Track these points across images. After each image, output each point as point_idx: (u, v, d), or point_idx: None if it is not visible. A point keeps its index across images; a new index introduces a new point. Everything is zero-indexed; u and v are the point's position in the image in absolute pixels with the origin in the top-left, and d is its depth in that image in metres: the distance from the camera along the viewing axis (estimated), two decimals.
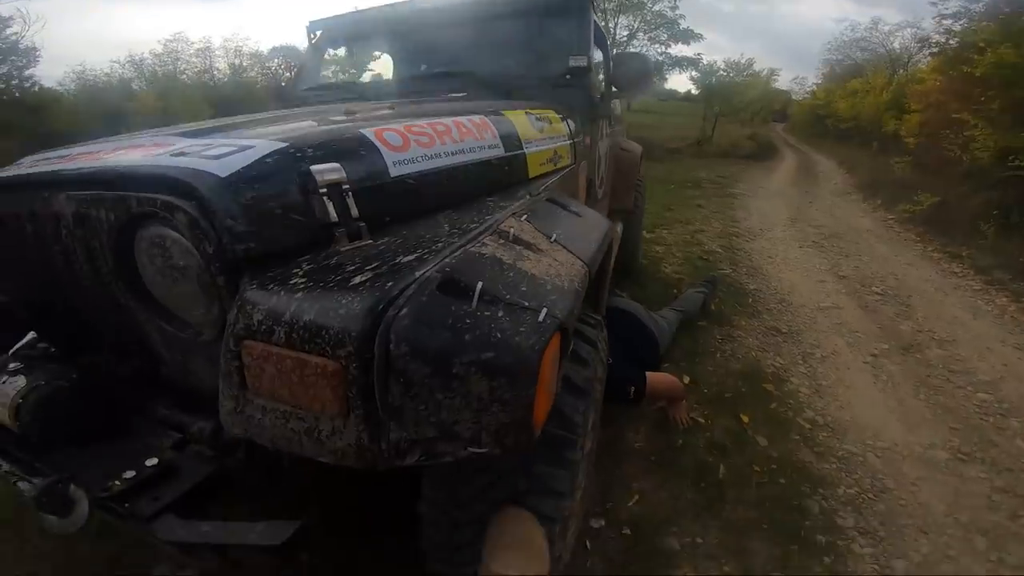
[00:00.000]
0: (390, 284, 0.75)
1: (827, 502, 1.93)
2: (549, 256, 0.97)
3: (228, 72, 18.52)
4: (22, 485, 0.94)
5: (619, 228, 3.37)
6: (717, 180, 9.95)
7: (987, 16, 6.92)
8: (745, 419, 2.37)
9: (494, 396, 0.71)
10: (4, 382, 1.08)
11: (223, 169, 0.87)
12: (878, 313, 3.67)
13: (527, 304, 0.78)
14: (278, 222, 0.87)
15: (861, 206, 7.94)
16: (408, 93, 2.26)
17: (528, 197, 1.30)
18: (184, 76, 17.72)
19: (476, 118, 1.39)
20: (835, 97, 19.35)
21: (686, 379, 2.65)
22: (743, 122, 18.20)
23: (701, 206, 7.30)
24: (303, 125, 1.21)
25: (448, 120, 1.29)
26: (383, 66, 3.59)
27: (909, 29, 20.15)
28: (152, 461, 1.00)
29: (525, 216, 1.11)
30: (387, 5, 2.61)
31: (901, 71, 18.76)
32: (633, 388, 2.07)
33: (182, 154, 0.97)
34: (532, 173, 1.53)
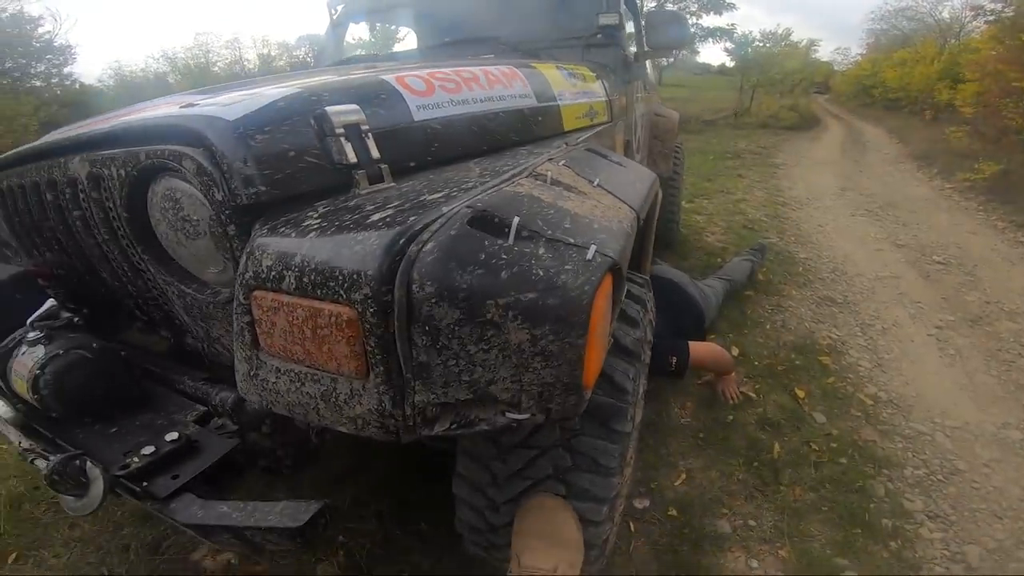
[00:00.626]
0: (413, 218, 0.65)
1: (893, 484, 1.79)
2: (593, 199, 0.86)
3: (257, 62, 18.85)
4: (39, 463, 0.90)
5: (658, 196, 3.23)
6: (758, 150, 9.55)
7: None
8: (800, 394, 2.22)
9: (537, 348, 0.60)
10: (24, 353, 1.05)
11: (231, 114, 0.81)
12: (941, 283, 3.42)
13: (573, 241, 0.67)
14: (292, 165, 0.80)
15: (916, 175, 7.48)
16: (436, 60, 2.19)
17: (565, 146, 1.20)
18: (215, 68, 18.11)
19: (505, 67, 1.30)
20: (882, 67, 18.43)
21: (734, 351, 2.51)
22: (782, 93, 17.42)
23: (742, 176, 7.01)
24: (322, 77, 1.14)
25: (476, 68, 1.20)
26: (410, 45, 3.53)
27: None
28: (172, 436, 0.95)
29: (564, 161, 1.01)
30: None
31: (952, 40, 17.69)
32: (675, 359, 1.96)
33: (192, 106, 0.92)
34: (568, 126, 1.43)
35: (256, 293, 0.69)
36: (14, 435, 1.01)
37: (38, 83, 11.96)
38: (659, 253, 3.60)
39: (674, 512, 1.66)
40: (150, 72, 17.37)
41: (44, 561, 1.60)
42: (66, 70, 12.95)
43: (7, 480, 1.89)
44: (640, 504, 1.69)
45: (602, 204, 0.85)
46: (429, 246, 0.61)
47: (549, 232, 0.67)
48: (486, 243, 0.63)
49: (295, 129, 0.82)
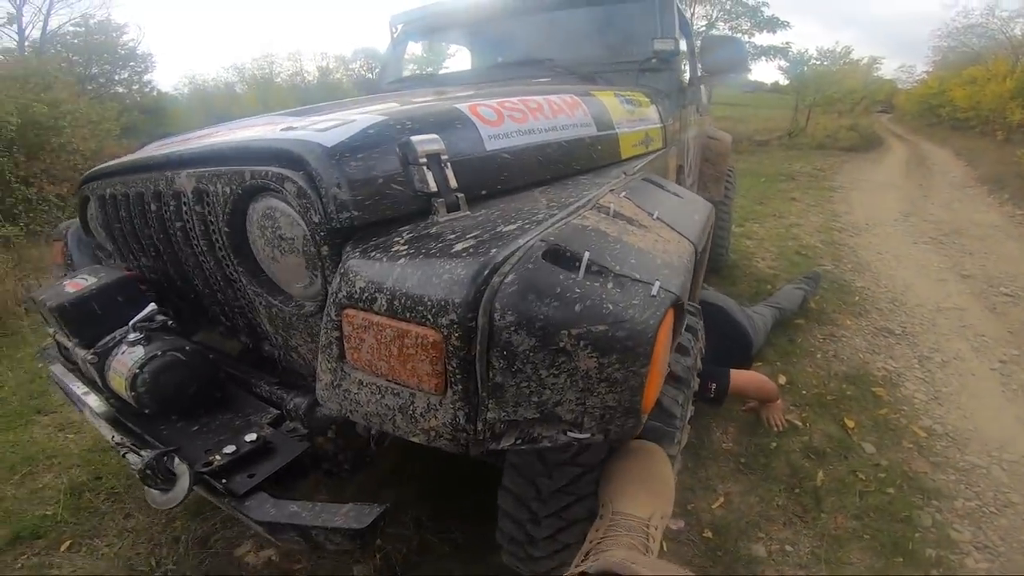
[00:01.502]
0: (494, 251, 0.71)
1: (941, 514, 1.74)
2: (653, 232, 0.91)
3: (316, 74, 19.64)
4: (130, 458, 0.95)
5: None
6: (813, 173, 9.30)
7: None
8: (850, 424, 2.17)
9: (603, 375, 0.65)
10: (123, 353, 1.13)
11: (329, 140, 0.88)
12: (1008, 316, 3.26)
13: (638, 277, 0.72)
14: (380, 191, 0.86)
15: (985, 200, 7.11)
16: (492, 81, 2.25)
17: (623, 176, 1.24)
18: (279, 79, 18.98)
19: (567, 96, 1.36)
20: (950, 85, 17.62)
21: (781, 379, 2.48)
22: (841, 113, 16.88)
23: (795, 199, 6.84)
24: (401, 103, 1.22)
25: (539, 98, 1.26)
26: (460, 63, 3.64)
27: None
28: (251, 437, 1.01)
29: (624, 193, 1.06)
30: None
31: None
32: (715, 386, 1.96)
33: (291, 129, 1.00)
34: (625, 154, 1.48)
35: (347, 311, 0.76)
36: (105, 429, 1.07)
37: (121, 89, 12.70)
38: (707, 278, 3.57)
39: (709, 534, 1.66)
40: (220, 82, 18.34)
41: (97, 550, 1.68)
42: (146, 77, 13.72)
43: (70, 469, 2.03)
44: (675, 525, 1.70)
45: (662, 238, 0.90)
46: (510, 278, 0.67)
47: (617, 267, 0.73)
48: (560, 277, 0.69)
49: (384, 156, 0.88)
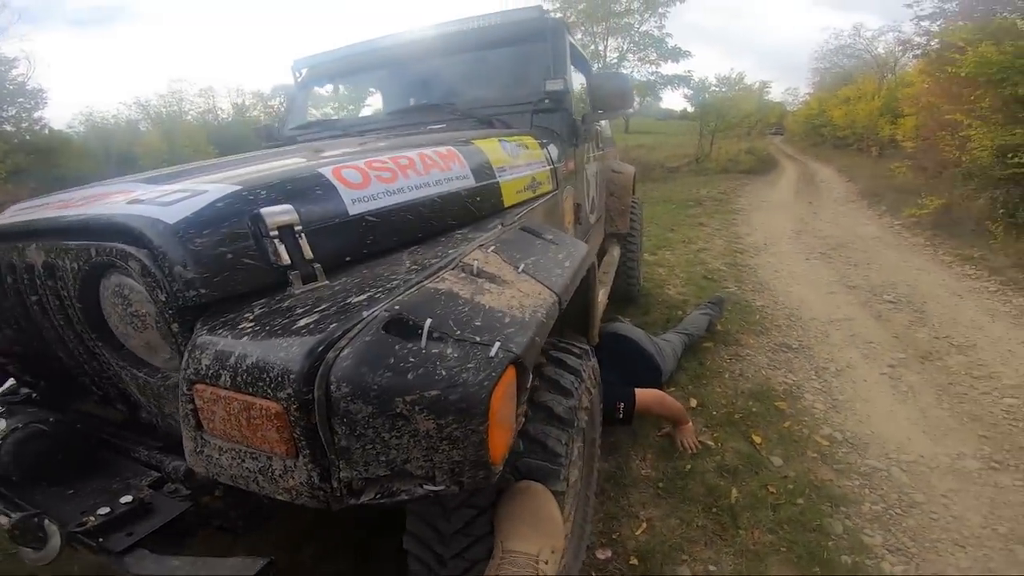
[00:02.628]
0: (334, 325, 0.74)
1: (851, 520, 1.82)
2: (513, 287, 0.93)
3: (231, 111, 19.03)
4: (0, 519, 0.96)
5: (616, 252, 3.32)
6: (718, 197, 9.92)
7: (962, 15, 6.91)
8: (757, 439, 2.27)
9: (443, 434, 0.70)
10: None
11: (172, 216, 0.87)
12: (892, 322, 3.56)
13: (479, 339, 0.77)
14: (230, 266, 0.86)
15: (866, 213, 7.85)
16: (392, 127, 2.27)
17: (500, 227, 1.26)
18: (188, 116, 18.20)
19: (443, 149, 1.36)
20: (828, 106, 19.48)
21: (693, 402, 2.56)
22: (740, 136, 18.24)
23: (703, 224, 7.24)
24: (264, 167, 1.19)
25: (412, 153, 1.26)
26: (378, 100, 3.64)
27: (891, 33, 20.39)
28: (127, 499, 1.02)
29: (493, 247, 1.08)
30: (368, 40, 2.62)
31: (889, 75, 18.85)
32: (622, 405, 2.02)
33: (138, 201, 0.97)
34: (508, 202, 1.49)
35: (197, 386, 0.77)
36: None
37: (8, 127, 11.76)
38: (621, 308, 3.68)
39: (635, 561, 1.68)
40: (122, 119, 17.35)
41: None
42: (36, 115, 12.80)
43: None
44: (602, 555, 1.71)
45: (521, 292, 0.92)
46: (345, 351, 0.70)
47: (458, 332, 0.77)
48: (396, 347, 0.72)
49: (233, 231, 0.88)
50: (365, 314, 0.77)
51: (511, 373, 0.76)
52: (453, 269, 0.93)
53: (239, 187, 0.95)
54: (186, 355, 0.79)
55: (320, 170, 1.06)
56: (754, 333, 3.45)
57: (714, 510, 1.87)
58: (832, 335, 3.41)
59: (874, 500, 1.92)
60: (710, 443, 2.24)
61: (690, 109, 20.77)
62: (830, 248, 5.70)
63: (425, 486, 0.73)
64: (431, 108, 2.26)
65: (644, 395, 2.11)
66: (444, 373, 0.71)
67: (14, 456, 1.10)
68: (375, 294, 0.83)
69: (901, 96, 11.29)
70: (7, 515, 0.97)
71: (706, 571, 1.64)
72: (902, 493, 1.94)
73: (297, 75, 2.82)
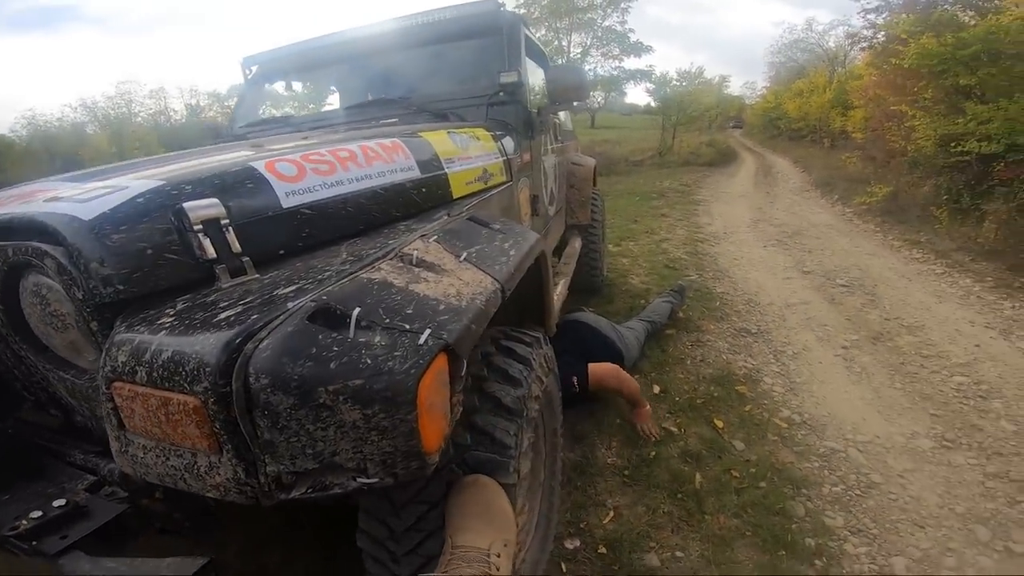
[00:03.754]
0: (255, 317, 0.73)
1: (812, 503, 1.86)
2: (453, 276, 0.92)
3: (184, 112, 18.45)
4: None
5: (577, 244, 3.33)
6: (680, 188, 10.09)
7: (905, 7, 7.18)
8: (719, 424, 2.30)
9: (371, 424, 0.68)
10: None
11: (89, 212, 0.85)
12: (845, 305, 3.68)
13: (408, 327, 0.75)
14: (150, 262, 0.84)
15: (819, 202, 8.11)
16: (345, 123, 2.22)
17: (446, 217, 1.24)
18: (139, 118, 17.56)
19: (387, 141, 1.34)
20: (783, 99, 20.02)
21: (656, 389, 2.59)
22: (701, 130, 18.63)
23: (665, 215, 7.35)
24: (193, 163, 1.15)
25: (353, 146, 1.23)
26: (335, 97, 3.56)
27: (841, 27, 21.05)
28: (60, 502, 1.01)
29: (435, 237, 1.05)
30: (320, 36, 2.57)
31: (840, 69, 19.50)
32: (576, 379, 2.05)
33: (56, 199, 0.95)
34: (457, 193, 1.47)
35: (115, 384, 0.76)
36: None
37: None
38: (584, 299, 3.70)
39: (603, 550, 1.68)
40: (67, 122, 16.62)
41: None
42: None
43: None
44: (571, 544, 1.71)
45: (461, 280, 0.90)
46: (265, 343, 0.69)
47: (387, 320, 0.75)
48: (320, 337, 0.71)
49: (153, 226, 0.86)
50: (290, 305, 0.75)
51: (442, 360, 0.75)
52: (391, 259, 0.91)
53: (162, 182, 0.93)
54: (104, 353, 0.77)
55: (251, 164, 1.03)
56: (715, 319, 3.51)
57: (679, 496, 1.89)
58: (789, 319, 3.50)
59: (833, 482, 1.96)
60: (673, 429, 2.27)
61: (653, 104, 21.12)
62: (786, 236, 5.86)
63: (358, 479, 0.71)
64: (385, 103, 2.24)
65: (597, 368, 2.15)
66: (369, 361, 0.69)
67: None
68: (304, 285, 0.81)
69: (850, 89, 11.69)
70: None
71: (673, 557, 1.66)
72: (860, 474, 1.99)
73: (247, 72, 2.75)
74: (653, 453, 2.11)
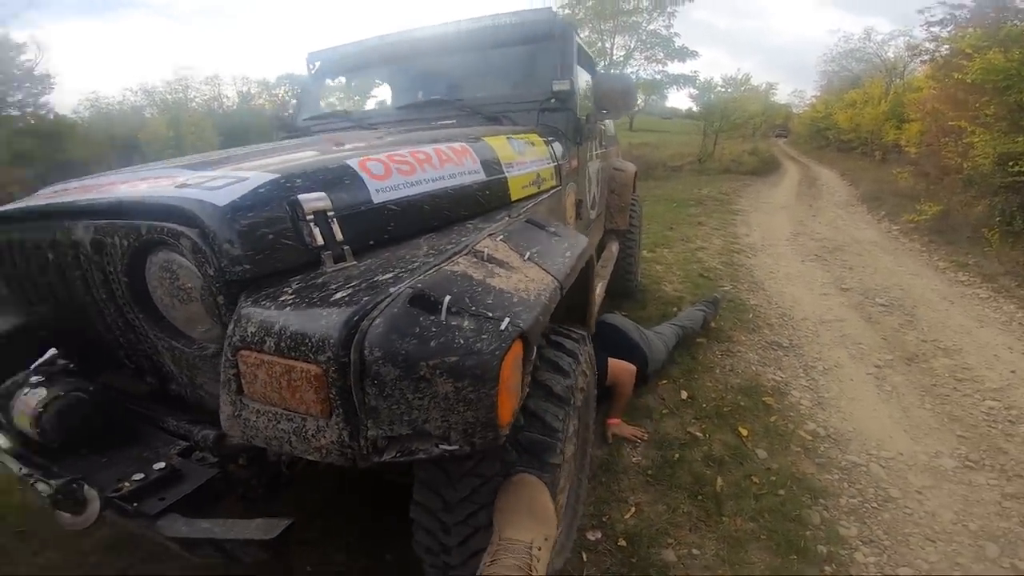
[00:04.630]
0: (366, 299, 0.83)
1: (828, 512, 1.92)
2: (520, 273, 1.03)
3: (236, 100, 18.99)
4: (40, 486, 1.00)
5: (615, 248, 3.40)
6: (719, 197, 9.99)
7: (973, 22, 6.96)
8: (744, 432, 2.37)
9: (459, 396, 0.79)
10: (26, 394, 1.17)
11: (221, 199, 0.96)
12: (882, 325, 3.66)
13: (491, 315, 0.86)
14: (271, 246, 0.96)
15: (865, 218, 7.93)
16: (402, 120, 2.34)
17: (507, 219, 1.35)
18: (194, 103, 18.14)
19: (456, 145, 1.45)
20: (834, 109, 19.47)
21: (684, 394, 2.66)
22: (744, 137, 18.29)
23: (702, 223, 7.32)
24: (295, 156, 1.28)
25: (429, 148, 1.35)
26: (385, 93, 3.70)
27: (901, 38, 20.33)
28: (159, 465, 1.09)
29: (501, 237, 1.17)
30: (381, 36, 2.70)
31: (897, 80, 18.83)
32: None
33: (186, 186, 1.07)
34: (514, 196, 1.58)
35: (242, 352, 0.86)
36: (13, 463, 1.12)
37: (14, 112, 11.75)
38: (618, 303, 3.78)
39: (623, 543, 1.77)
40: (127, 105, 17.28)
41: None
42: (42, 99, 12.79)
43: None
44: (592, 536, 1.80)
45: (527, 277, 1.02)
46: (377, 321, 0.80)
47: (473, 308, 0.86)
48: (421, 319, 0.82)
49: (273, 214, 0.98)
50: (392, 290, 0.85)
51: (519, 346, 0.85)
52: (466, 255, 1.02)
53: (277, 175, 1.05)
54: (232, 324, 0.87)
55: (348, 162, 1.15)
56: (747, 331, 3.54)
57: (699, 497, 1.97)
58: (822, 335, 3.50)
59: (852, 494, 2.01)
60: (698, 434, 2.34)
61: (695, 108, 20.79)
62: (827, 251, 5.79)
63: (441, 445, 0.81)
64: (440, 103, 2.33)
65: (617, 364, 2.24)
66: (462, 342, 0.79)
67: (56, 423, 1.13)
68: (399, 273, 0.92)
69: (908, 101, 11.34)
70: (47, 482, 1.00)
71: (689, 554, 1.74)
72: (879, 488, 2.04)
73: (311, 67, 2.89)
74: (677, 455, 2.19)
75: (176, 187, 1.07)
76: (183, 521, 0.97)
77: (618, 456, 2.20)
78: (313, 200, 0.99)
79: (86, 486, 0.98)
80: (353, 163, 1.16)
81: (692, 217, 7.80)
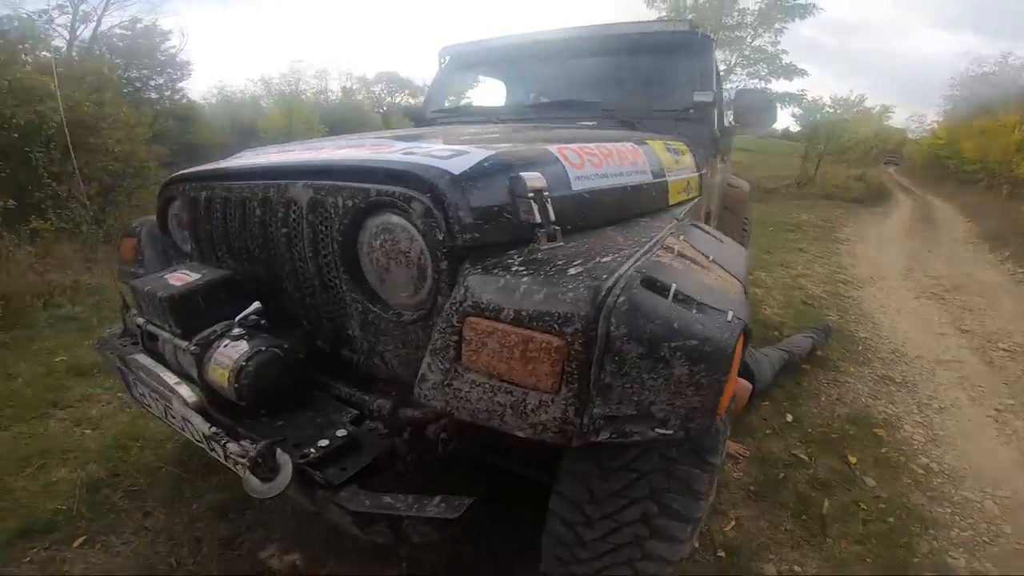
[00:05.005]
0: (604, 276, 0.85)
1: (938, 542, 1.89)
2: (712, 272, 1.07)
3: (340, 94, 19.96)
4: (231, 447, 0.98)
5: None
6: (820, 224, 9.53)
7: None
8: (852, 460, 2.32)
9: (692, 380, 0.79)
10: (226, 346, 1.16)
11: (455, 167, 1.00)
12: (1005, 370, 3.43)
13: (715, 306, 0.87)
14: (494, 218, 0.99)
15: (987, 257, 7.31)
16: (533, 119, 2.37)
17: (675, 221, 1.40)
18: (304, 95, 19.23)
19: (628, 144, 1.53)
20: (958, 137, 17.79)
21: (788, 417, 2.64)
22: (850, 162, 17.17)
23: (802, 250, 7.03)
24: (497, 140, 1.34)
25: (610, 145, 1.43)
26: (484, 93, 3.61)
27: None
28: (342, 432, 1.05)
29: (682, 236, 1.22)
30: (516, 35, 2.75)
31: None
32: None
33: (411, 153, 1.11)
34: (672, 200, 1.64)
35: (471, 319, 0.87)
36: (197, 420, 1.10)
37: (154, 95, 12.78)
38: None
39: (722, 554, 1.79)
40: (248, 95, 18.58)
41: (112, 547, 1.66)
42: (179, 85, 13.83)
43: (87, 465, 2.04)
44: None
45: (719, 277, 1.07)
46: (622, 299, 0.81)
47: (698, 297, 0.88)
48: (658, 300, 0.84)
49: (497, 187, 1.01)
50: (620, 271, 0.86)
51: (742, 337, 0.85)
52: (661, 249, 1.05)
53: (495, 151, 1.08)
54: (461, 290, 0.88)
55: (548, 148, 1.21)
56: (855, 362, 3.42)
57: (804, 517, 1.96)
58: (939, 374, 3.33)
59: (963, 527, 1.96)
60: (803, 457, 2.32)
61: (794, 129, 19.76)
62: (943, 289, 5.42)
63: (657, 429, 0.80)
64: (576, 105, 2.35)
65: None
66: (700, 327, 0.80)
67: (253, 380, 1.10)
68: (616, 257, 0.94)
69: None
70: (241, 444, 0.97)
71: (791, 571, 1.74)
72: (992, 524, 1.98)
73: (442, 61, 2.98)
74: (782, 475, 2.19)
75: (403, 153, 1.12)
76: (364, 494, 0.93)
77: (720, 469, 2.21)
78: (533, 178, 1.00)
79: (279, 450, 0.95)
80: (553, 149, 1.20)
81: (791, 242, 7.51)
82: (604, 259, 0.94)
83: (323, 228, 1.16)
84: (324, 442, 1.01)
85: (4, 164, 4.94)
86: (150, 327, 1.34)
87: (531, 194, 1.00)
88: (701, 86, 2.26)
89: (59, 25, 12.11)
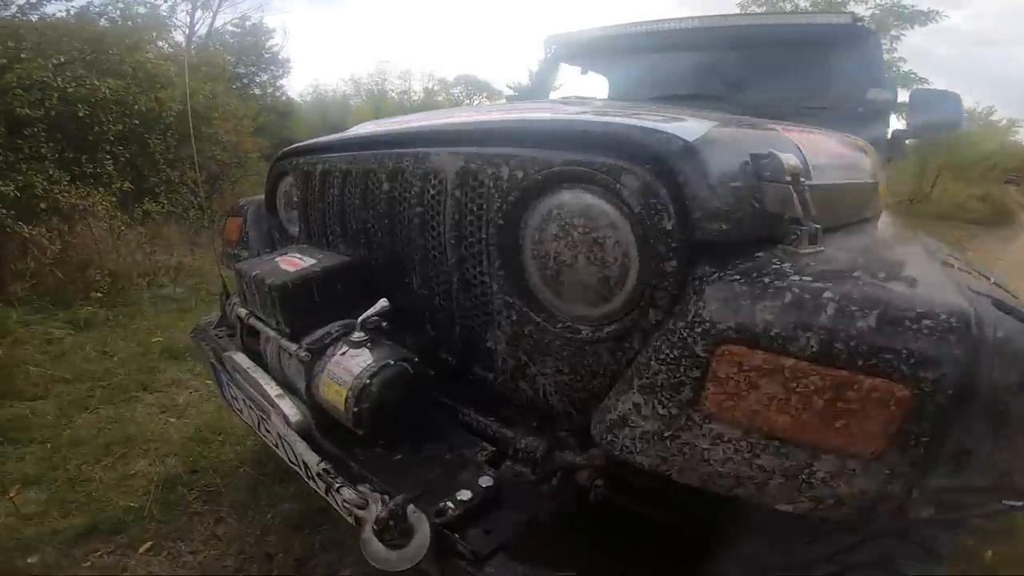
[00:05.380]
0: (959, 299, 0.59)
1: None
2: (1002, 291, 0.78)
3: (422, 95, 20.46)
4: (347, 493, 0.78)
5: None
6: None
7: None
8: None
9: None
10: (344, 354, 0.94)
11: (687, 133, 0.73)
12: None
13: None
14: (742, 206, 0.71)
15: None
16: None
17: (902, 230, 1.15)
18: (390, 95, 19.87)
19: (845, 138, 1.27)
20: None
21: None
22: (970, 180, 15.55)
23: None
24: (704, 114, 1.08)
25: (831, 138, 1.16)
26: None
27: None
28: (486, 481, 0.82)
29: (947, 250, 0.94)
30: (628, 24, 2.55)
31: None
32: None
33: (607, 114, 0.87)
34: (883, 206, 1.39)
35: (729, 347, 0.61)
36: (300, 447, 0.89)
37: (257, 91, 13.52)
38: None
39: None
40: (338, 93, 19.40)
41: (179, 556, 1.53)
42: (280, 82, 14.57)
43: (167, 458, 1.93)
44: None
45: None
46: (1000, 334, 0.57)
47: None
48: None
49: (740, 167, 0.74)
50: (966, 292, 0.62)
51: None
52: (944, 265, 0.77)
53: (718, 123, 0.81)
54: (712, 304, 0.64)
55: (775, 126, 0.95)
56: None
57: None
58: None
59: None
60: None
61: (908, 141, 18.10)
62: None
63: (1006, 500, 0.59)
64: (712, 99, 2.03)
65: None
66: None
67: (376, 404, 0.88)
68: (923, 272, 0.67)
69: None
70: (363, 496, 0.77)
71: None
72: None
73: (548, 51, 2.83)
74: None
75: (595, 115, 0.87)
76: (520, 570, 0.71)
77: None
78: (790, 159, 0.73)
79: (412, 507, 0.74)
80: (779, 129, 0.94)
81: None
82: (909, 274, 0.66)
83: (473, 207, 0.92)
84: (465, 494, 0.78)
85: (124, 149, 5.23)
86: (252, 321, 1.16)
87: (788, 178, 0.72)
88: (875, 83, 1.95)
89: (178, 21, 13.09)
